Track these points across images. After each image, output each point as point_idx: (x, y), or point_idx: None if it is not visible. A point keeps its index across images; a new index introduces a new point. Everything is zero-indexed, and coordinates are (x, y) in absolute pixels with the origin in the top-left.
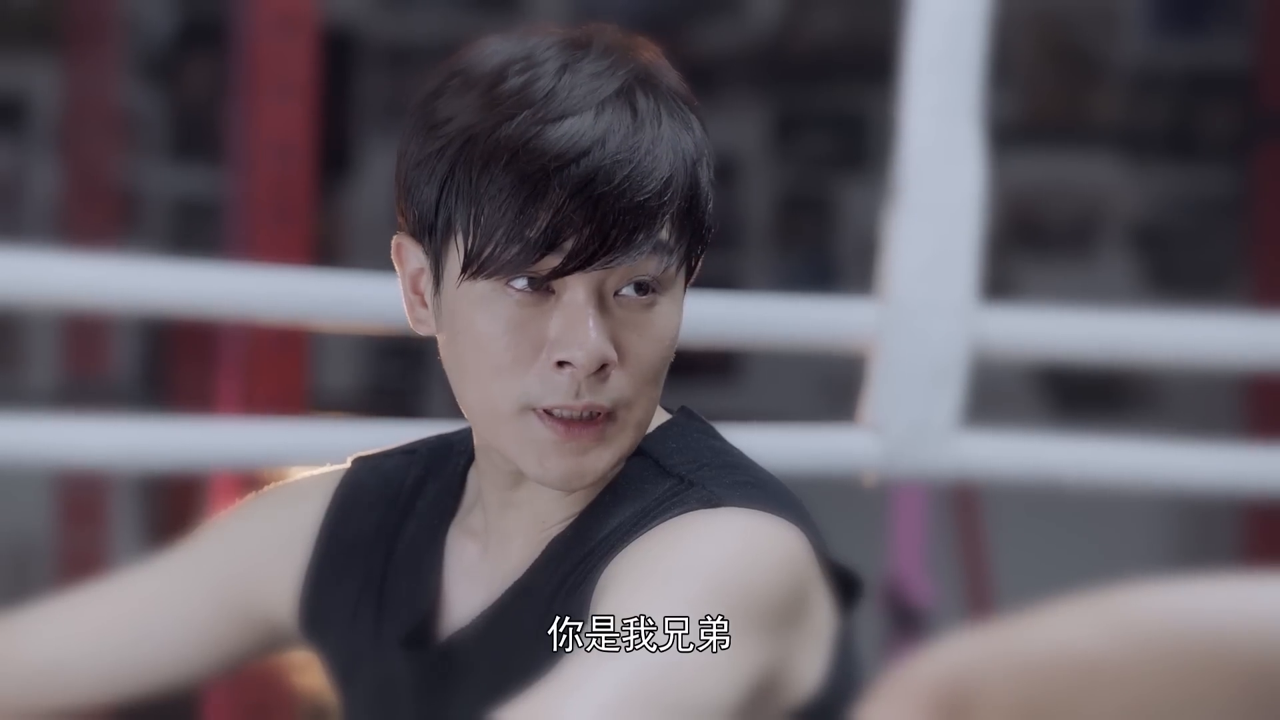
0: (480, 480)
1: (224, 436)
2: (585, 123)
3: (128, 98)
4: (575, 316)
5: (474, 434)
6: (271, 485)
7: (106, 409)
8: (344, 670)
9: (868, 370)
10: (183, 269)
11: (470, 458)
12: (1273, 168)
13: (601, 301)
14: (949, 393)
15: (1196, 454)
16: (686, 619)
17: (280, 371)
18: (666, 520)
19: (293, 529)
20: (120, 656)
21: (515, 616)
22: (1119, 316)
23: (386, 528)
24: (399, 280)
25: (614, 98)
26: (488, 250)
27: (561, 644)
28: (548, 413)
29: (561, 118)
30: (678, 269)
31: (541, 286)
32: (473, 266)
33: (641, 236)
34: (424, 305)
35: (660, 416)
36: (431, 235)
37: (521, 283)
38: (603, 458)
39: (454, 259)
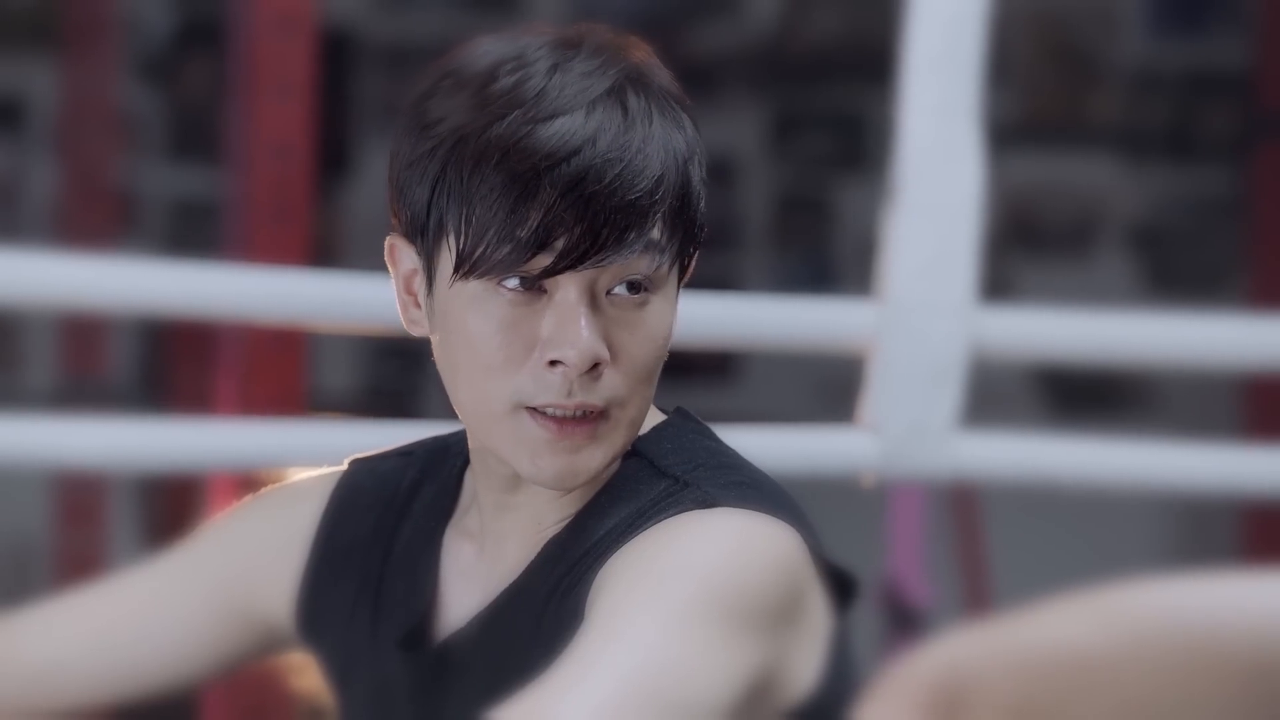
0: (476, 483)
1: (222, 437)
2: (576, 122)
3: (126, 98)
4: (567, 315)
5: (469, 436)
6: (269, 487)
7: (104, 410)
8: (341, 671)
9: (866, 371)
10: (181, 269)
11: (467, 459)
12: (1271, 168)
13: (593, 300)
14: (947, 393)
15: (1194, 454)
16: (682, 619)
17: (278, 372)
18: (662, 521)
19: (290, 531)
20: (118, 657)
21: (511, 617)
22: (1117, 317)
23: (383, 529)
24: (392, 281)
25: (605, 97)
26: (479, 250)
27: (557, 644)
28: (540, 411)
29: (552, 117)
30: (670, 268)
31: (533, 286)
32: (465, 266)
33: (633, 235)
34: (417, 306)
35: (656, 417)
36: (424, 236)
37: (513, 282)
38: (595, 456)
39: (446, 259)
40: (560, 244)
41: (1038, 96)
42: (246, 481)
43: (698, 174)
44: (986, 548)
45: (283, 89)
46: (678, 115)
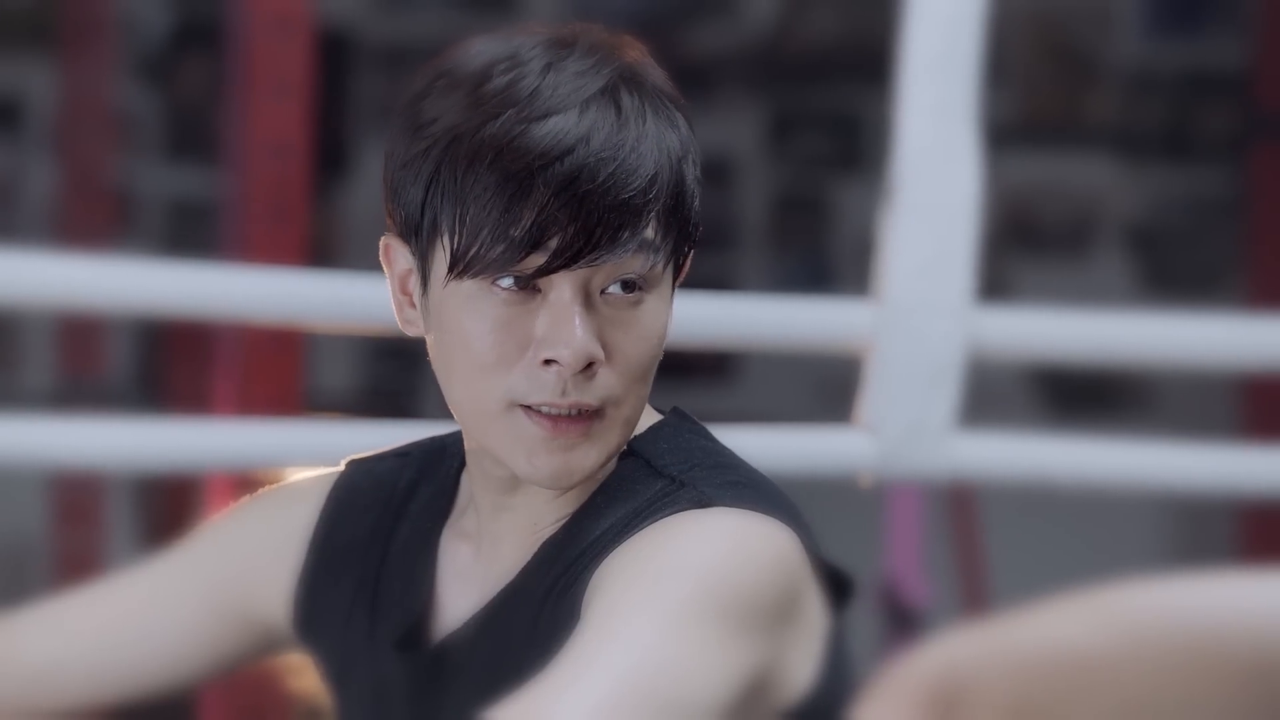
0: (472, 484)
1: (219, 437)
2: (569, 121)
3: (123, 98)
4: (561, 315)
5: (464, 437)
6: (266, 488)
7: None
8: (338, 672)
9: (864, 371)
10: (178, 269)
11: (464, 460)
12: (1268, 168)
13: (588, 299)
14: (945, 393)
15: (1192, 454)
16: (678, 619)
17: (276, 372)
18: (658, 520)
19: (287, 532)
20: (116, 658)
21: (508, 618)
22: (1115, 317)
23: (380, 530)
24: (387, 281)
25: (598, 96)
26: (473, 249)
27: (554, 645)
28: (535, 409)
29: (545, 116)
30: (664, 267)
31: (528, 285)
32: (459, 266)
33: (626, 234)
34: (412, 306)
35: (652, 417)
36: (418, 236)
37: (507, 281)
38: (590, 455)
39: (441, 259)
40: (554, 243)
41: (1035, 97)
42: (244, 482)
43: (692, 173)
44: (984, 548)
45: (280, 89)
46: (671, 114)
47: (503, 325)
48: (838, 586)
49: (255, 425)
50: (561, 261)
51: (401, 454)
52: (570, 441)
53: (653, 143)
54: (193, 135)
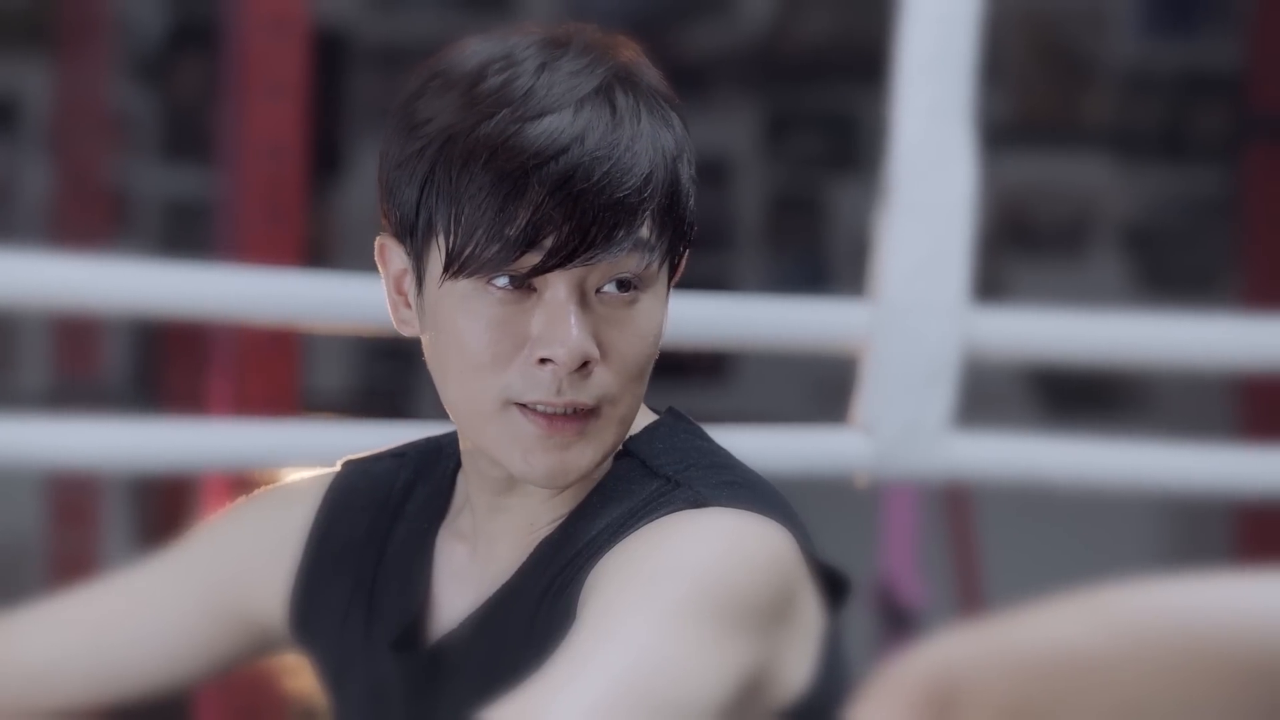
0: (468, 484)
1: (215, 438)
2: (564, 120)
3: (119, 98)
4: (556, 314)
5: (460, 438)
6: (262, 488)
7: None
8: (335, 673)
9: (859, 371)
10: (174, 270)
11: (460, 460)
12: (1263, 168)
13: (583, 299)
14: (940, 393)
15: (1188, 455)
16: (674, 619)
17: (271, 372)
18: (653, 520)
19: (283, 532)
20: (112, 658)
21: (504, 618)
22: (1110, 317)
23: (376, 531)
24: (382, 281)
25: (593, 95)
26: (468, 249)
27: (549, 645)
28: (530, 408)
29: (540, 115)
30: (660, 266)
31: (523, 284)
32: (454, 266)
33: (621, 233)
34: (408, 306)
35: (648, 417)
36: (413, 236)
37: (503, 281)
38: (586, 454)
39: (435, 259)
40: (549, 242)
41: (1030, 97)
42: (240, 482)
43: (687, 172)
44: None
45: (275, 89)
46: (666, 114)
47: (498, 325)
48: (833, 586)
49: (251, 425)
50: (557, 261)
51: (397, 454)
52: (566, 440)
53: (647, 142)
54: (188, 135)
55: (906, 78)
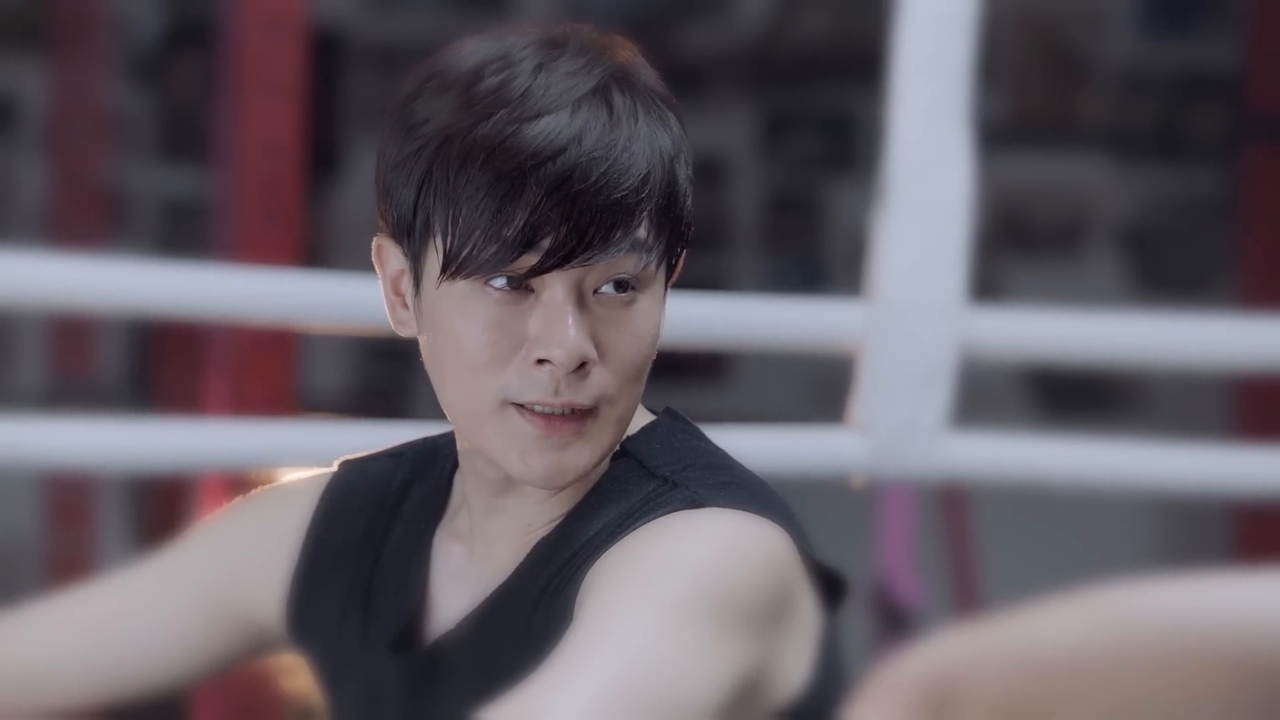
0: (465, 485)
1: (212, 438)
2: (561, 121)
3: (115, 98)
4: (554, 314)
5: (457, 438)
6: (259, 488)
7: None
8: (332, 673)
9: (856, 371)
10: (170, 270)
11: (456, 461)
12: (1260, 168)
13: (581, 299)
14: (937, 393)
15: (1184, 455)
16: (671, 619)
17: (268, 372)
18: (651, 521)
19: (280, 532)
20: (108, 658)
21: (501, 619)
22: (1107, 317)
23: (373, 531)
24: (380, 282)
25: (590, 96)
26: (466, 250)
27: (547, 645)
28: (527, 408)
29: (537, 116)
30: (657, 267)
31: (520, 285)
32: (451, 266)
33: (619, 234)
34: (405, 306)
35: (645, 417)
36: (410, 236)
37: (500, 282)
38: (583, 454)
39: (433, 260)
40: (546, 243)
41: (1027, 97)
42: (237, 482)
43: (684, 172)
44: (976, 548)
45: (272, 89)
46: (663, 114)
47: (495, 325)
48: (830, 587)
49: (248, 425)
50: (554, 261)
51: (394, 454)
52: (563, 440)
53: (645, 142)
54: (185, 135)
55: (903, 78)
